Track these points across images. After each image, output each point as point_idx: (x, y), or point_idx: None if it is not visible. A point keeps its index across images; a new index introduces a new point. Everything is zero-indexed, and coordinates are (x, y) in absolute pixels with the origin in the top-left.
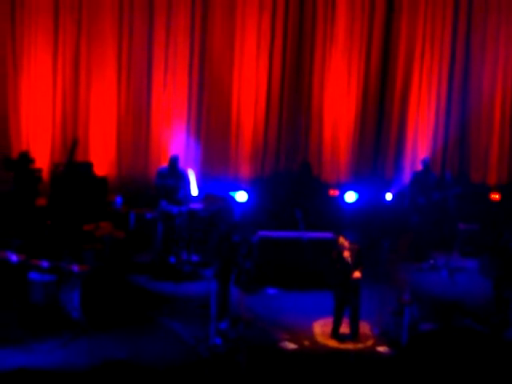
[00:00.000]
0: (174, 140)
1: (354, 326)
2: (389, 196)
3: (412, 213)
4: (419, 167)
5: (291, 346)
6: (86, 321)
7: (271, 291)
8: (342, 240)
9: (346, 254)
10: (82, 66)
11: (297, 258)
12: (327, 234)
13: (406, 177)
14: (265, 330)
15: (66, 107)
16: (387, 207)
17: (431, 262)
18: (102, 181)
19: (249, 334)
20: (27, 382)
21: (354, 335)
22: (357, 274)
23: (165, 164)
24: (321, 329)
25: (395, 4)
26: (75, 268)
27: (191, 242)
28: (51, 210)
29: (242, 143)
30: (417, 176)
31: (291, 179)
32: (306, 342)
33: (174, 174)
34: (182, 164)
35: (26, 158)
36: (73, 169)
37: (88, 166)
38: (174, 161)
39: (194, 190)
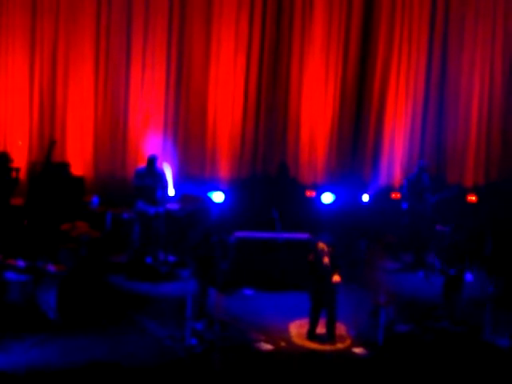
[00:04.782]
0: (151, 140)
1: (331, 327)
2: (365, 197)
3: (404, 215)
4: (397, 169)
5: (267, 346)
6: (63, 321)
7: (247, 292)
8: (321, 245)
9: (326, 259)
10: (59, 66)
11: (273, 258)
12: (304, 235)
13: (383, 178)
14: (241, 331)
15: (43, 107)
16: (364, 208)
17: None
18: (79, 181)
19: (225, 335)
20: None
21: (331, 336)
22: (336, 278)
23: (142, 164)
24: (297, 330)
25: (373, 5)
26: (51, 268)
27: (168, 242)
28: (28, 210)
29: (220, 143)
30: (410, 179)
31: (268, 180)
32: (282, 343)
33: (152, 173)
34: (159, 164)
35: (4, 158)
36: (50, 169)
37: (65, 166)
38: (151, 161)
39: (171, 190)
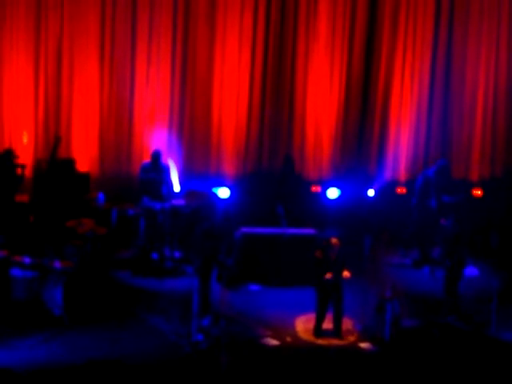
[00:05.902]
0: (157, 136)
1: (337, 323)
2: (371, 192)
3: (413, 211)
4: (402, 164)
5: (273, 342)
6: (68, 317)
7: (253, 287)
8: (335, 241)
9: (333, 256)
10: (64, 63)
11: (279, 254)
12: (309, 231)
13: (389, 173)
14: (247, 327)
15: (49, 103)
16: (369, 203)
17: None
18: (84, 177)
19: (231, 331)
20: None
21: (337, 331)
22: (346, 274)
23: (148, 160)
24: (303, 325)
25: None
26: (57, 264)
27: (174, 239)
28: (34, 207)
29: (225, 139)
30: (427, 175)
31: (274, 175)
32: (289, 339)
33: (157, 168)
34: (164, 159)
35: (10, 154)
36: (55, 165)
37: (70, 163)
38: (156, 156)
39: (177, 186)
